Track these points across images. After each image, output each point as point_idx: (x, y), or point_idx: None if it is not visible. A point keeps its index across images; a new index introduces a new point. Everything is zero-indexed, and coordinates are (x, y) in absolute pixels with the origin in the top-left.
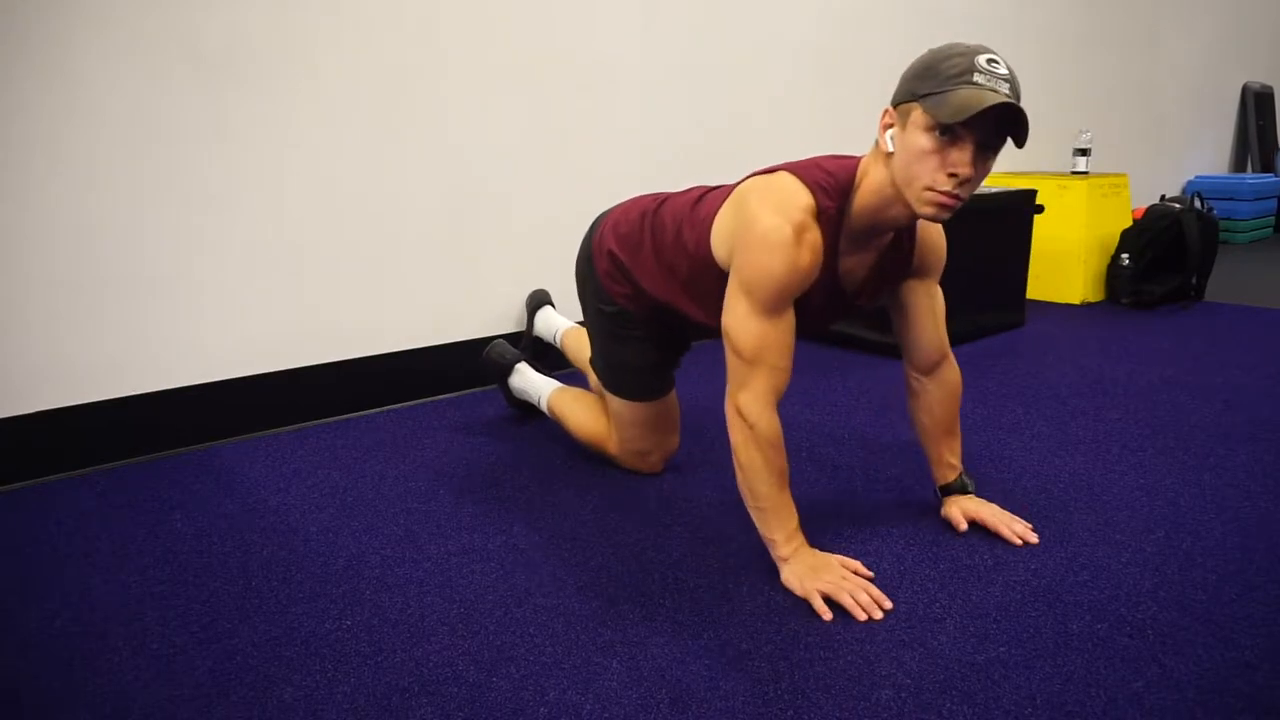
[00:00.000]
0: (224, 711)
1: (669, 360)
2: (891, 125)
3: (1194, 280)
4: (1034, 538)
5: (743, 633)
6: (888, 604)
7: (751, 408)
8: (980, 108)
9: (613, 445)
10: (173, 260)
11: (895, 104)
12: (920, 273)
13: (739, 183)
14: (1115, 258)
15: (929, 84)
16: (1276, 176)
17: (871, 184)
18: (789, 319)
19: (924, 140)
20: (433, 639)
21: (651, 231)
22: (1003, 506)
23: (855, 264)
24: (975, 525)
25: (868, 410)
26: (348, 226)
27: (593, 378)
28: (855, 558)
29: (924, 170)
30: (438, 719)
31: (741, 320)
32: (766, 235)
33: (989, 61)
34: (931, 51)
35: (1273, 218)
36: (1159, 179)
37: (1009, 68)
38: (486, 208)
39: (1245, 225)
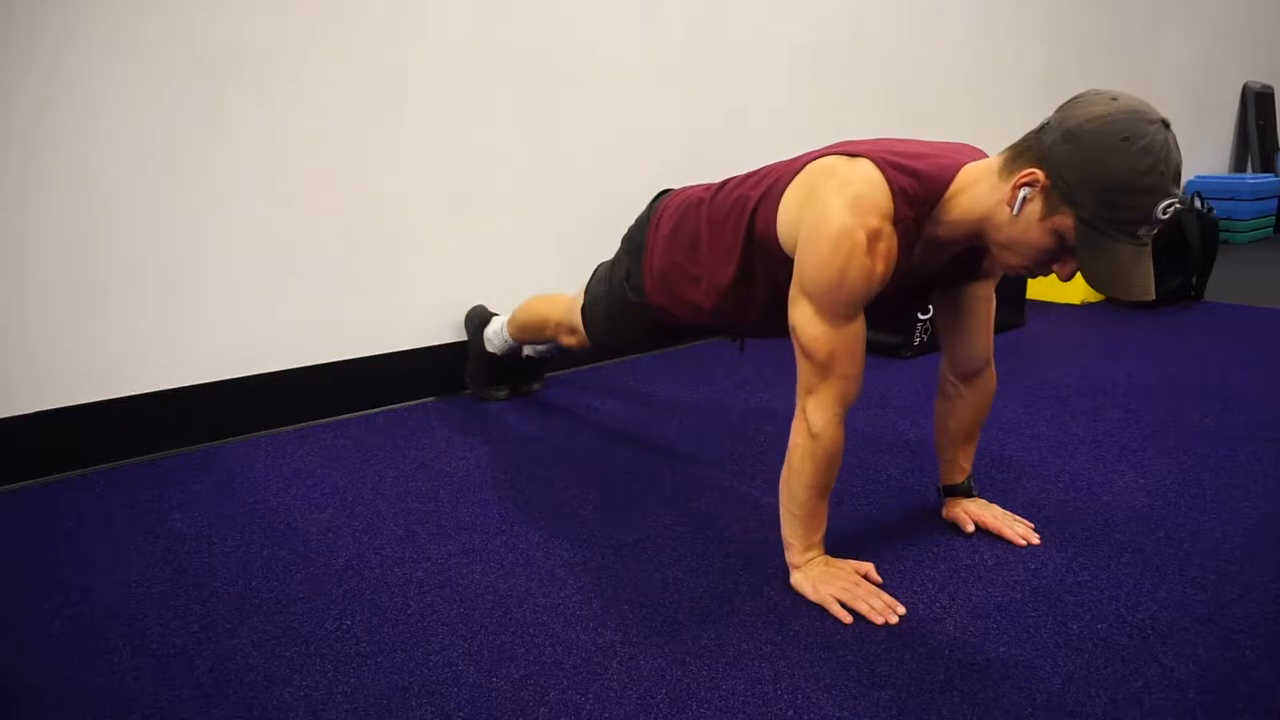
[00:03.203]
0: (224, 711)
1: (670, 341)
2: (1031, 188)
3: (1194, 280)
4: (1036, 538)
5: (743, 633)
6: (901, 609)
7: (817, 418)
8: (1126, 296)
9: (564, 328)
10: (173, 260)
11: (1050, 179)
12: (986, 273)
13: (810, 156)
14: None
15: (1098, 208)
16: (1276, 176)
17: (966, 211)
18: (858, 325)
19: (1050, 241)
20: (433, 639)
21: (708, 225)
22: (1003, 507)
23: (927, 265)
24: (976, 525)
25: (867, 410)
26: (348, 226)
27: (563, 336)
28: (854, 558)
29: (1030, 257)
30: (438, 719)
31: (807, 323)
32: (839, 239)
33: (1166, 209)
34: (1124, 153)
35: (1273, 218)
36: None
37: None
38: (487, 208)
39: (1245, 225)
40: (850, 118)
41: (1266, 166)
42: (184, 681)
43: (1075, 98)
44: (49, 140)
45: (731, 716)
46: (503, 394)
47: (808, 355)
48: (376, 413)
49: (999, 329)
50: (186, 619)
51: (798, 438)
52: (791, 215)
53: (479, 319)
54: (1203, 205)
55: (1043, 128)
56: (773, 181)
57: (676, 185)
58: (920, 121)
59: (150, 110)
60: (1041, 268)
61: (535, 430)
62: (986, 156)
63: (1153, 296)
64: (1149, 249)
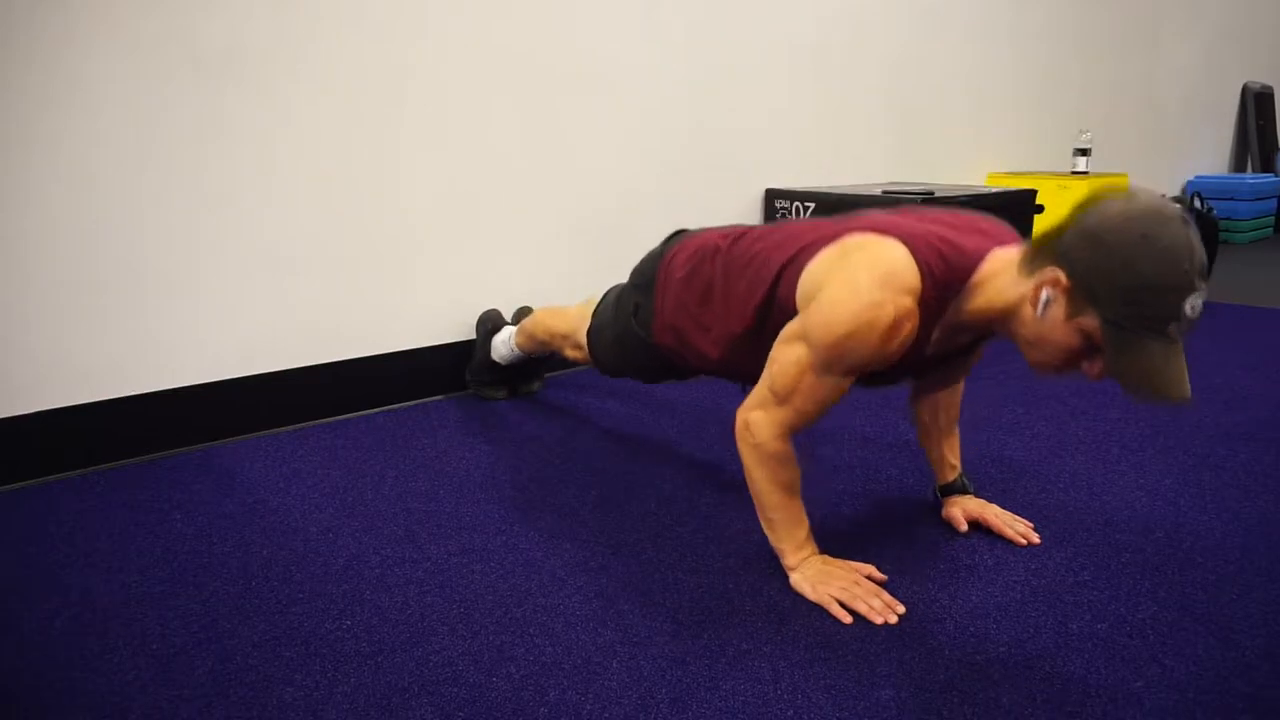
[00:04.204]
0: (224, 711)
1: (673, 378)
2: (1053, 289)
3: None
4: (1036, 538)
5: (743, 633)
6: (900, 609)
7: (761, 430)
8: (1159, 398)
9: (569, 342)
10: (173, 260)
11: (1072, 280)
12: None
13: (833, 229)
14: None
15: (1123, 308)
16: (1276, 176)
17: (988, 302)
18: (845, 384)
19: (1076, 341)
20: (433, 639)
21: (723, 276)
22: (1003, 506)
23: (942, 347)
24: (975, 525)
25: (867, 410)
26: (348, 226)
27: (567, 349)
28: (854, 558)
29: (1056, 357)
30: (437, 719)
31: (791, 363)
32: (863, 310)
33: (1195, 305)
34: (1146, 253)
35: (1273, 218)
36: (1159, 179)
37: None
38: (487, 208)
39: (1245, 225)
40: (850, 118)
41: (1266, 166)
42: (184, 681)
43: (1091, 199)
44: (49, 140)
45: (731, 716)
46: (503, 394)
47: (773, 386)
48: (376, 413)
49: None
50: (186, 619)
51: (742, 447)
52: (815, 284)
53: (490, 325)
54: (1203, 205)
55: (1061, 228)
56: (799, 249)
57: (677, 185)
58: (920, 121)
59: (150, 110)
60: (1069, 366)
61: (535, 430)
62: (1008, 234)
63: (1189, 398)
64: (1181, 346)
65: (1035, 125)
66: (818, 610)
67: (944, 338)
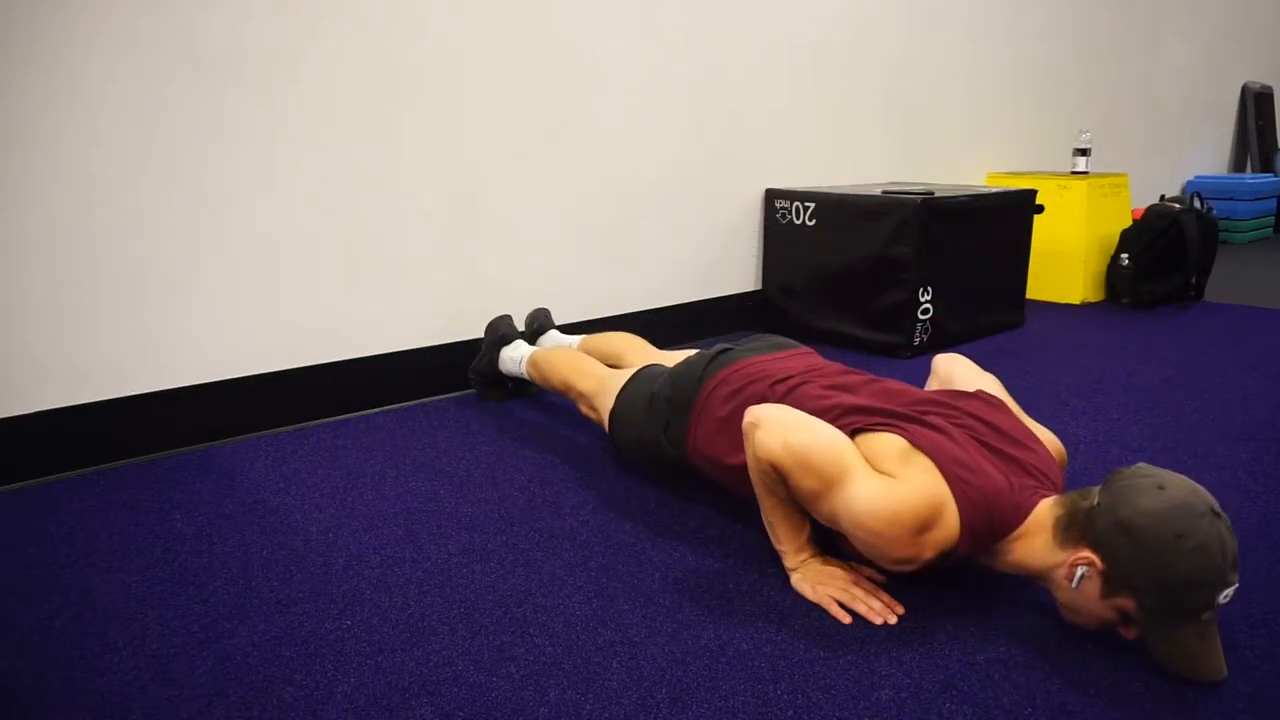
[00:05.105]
0: (224, 711)
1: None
2: (1088, 568)
3: (1193, 280)
4: None
5: (743, 633)
6: (900, 609)
7: (763, 445)
8: (1197, 678)
9: (585, 402)
10: (173, 260)
11: (1107, 566)
12: None
13: (887, 407)
14: (1115, 258)
15: (1159, 600)
16: (1276, 176)
17: (1022, 559)
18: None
19: (1112, 615)
20: (433, 639)
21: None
22: None
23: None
24: None
25: None
26: (347, 226)
27: (582, 406)
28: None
29: (1091, 623)
30: (437, 719)
31: (818, 462)
32: (888, 530)
33: (1225, 596)
34: (1180, 552)
35: (1272, 218)
36: (1159, 179)
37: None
38: (487, 208)
39: (1245, 225)
40: (850, 118)
41: (1266, 166)
42: (184, 681)
43: (1121, 478)
44: (49, 140)
45: (731, 716)
46: (503, 394)
47: (791, 445)
48: (376, 413)
49: (998, 329)
50: (186, 619)
51: (748, 445)
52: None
53: (500, 334)
54: (1203, 205)
55: (1093, 508)
56: (858, 421)
57: (677, 186)
58: (920, 121)
59: (150, 110)
60: (1103, 629)
61: (535, 430)
62: (1054, 471)
63: (1224, 676)
64: (1215, 625)
65: (1035, 125)
66: (818, 610)
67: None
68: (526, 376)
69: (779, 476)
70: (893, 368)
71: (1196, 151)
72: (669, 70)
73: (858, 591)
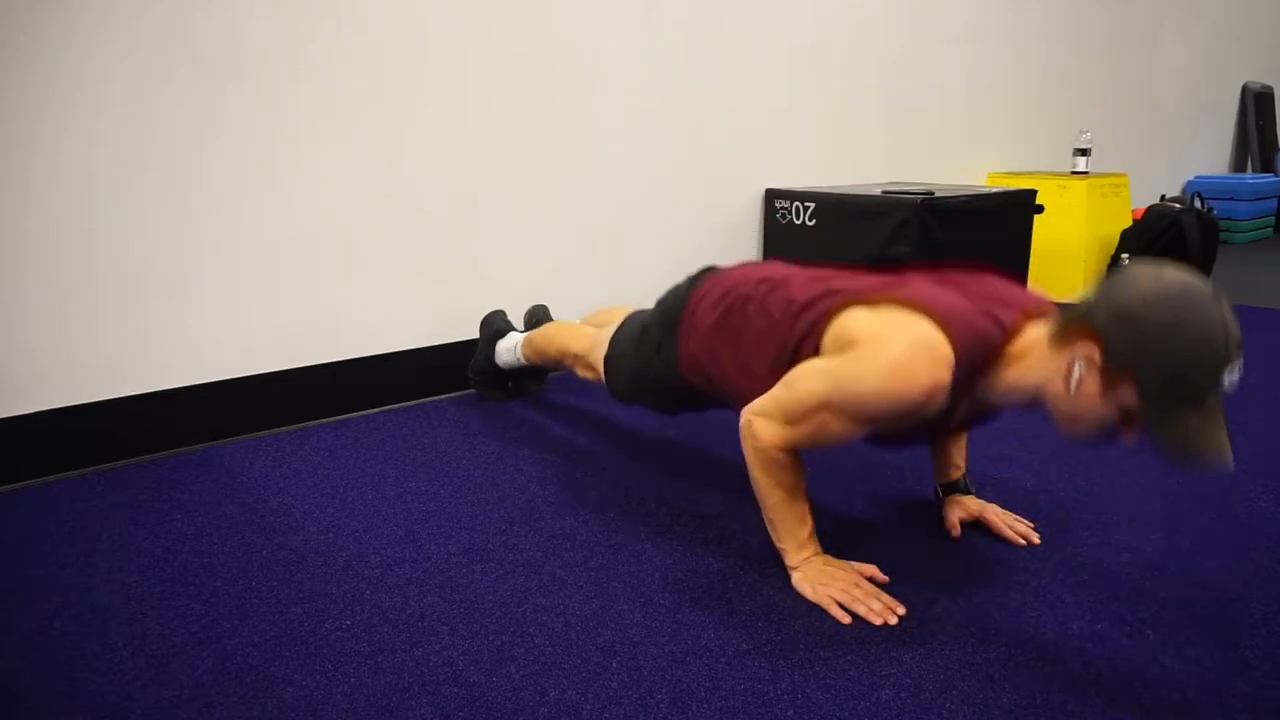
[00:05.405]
0: (224, 711)
1: (692, 409)
2: (1086, 364)
3: None
4: (1035, 538)
5: (743, 633)
6: (901, 609)
7: (764, 437)
8: (1203, 465)
9: (581, 363)
10: (173, 260)
11: (1106, 356)
12: None
13: (865, 284)
14: (1115, 258)
15: (1161, 387)
16: (1276, 176)
17: (1022, 378)
18: (857, 433)
19: (1113, 413)
20: (433, 639)
21: (753, 327)
22: (1003, 506)
23: (963, 413)
24: (976, 525)
25: None
26: (347, 226)
27: (579, 369)
28: (854, 558)
29: (1093, 428)
30: (438, 719)
31: (810, 395)
32: (895, 378)
33: (1230, 378)
34: (1181, 336)
35: (1272, 218)
36: (1159, 179)
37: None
38: (487, 208)
39: (1245, 225)
40: (850, 118)
41: (1266, 166)
42: (184, 681)
43: (1119, 274)
44: (49, 140)
45: (731, 716)
46: (503, 394)
47: (785, 408)
48: (376, 413)
49: None
50: (186, 619)
51: (746, 447)
52: (849, 335)
53: (495, 329)
54: (1203, 205)
55: (1090, 303)
56: (817, 316)
57: (677, 186)
58: (920, 121)
59: (150, 110)
60: (1106, 438)
61: (535, 430)
62: (1044, 305)
63: (1230, 463)
64: (1220, 411)
65: (1035, 125)
66: (818, 610)
67: (969, 408)
68: (523, 360)
69: (788, 462)
70: None
71: (1197, 151)
72: (669, 70)
73: (858, 593)
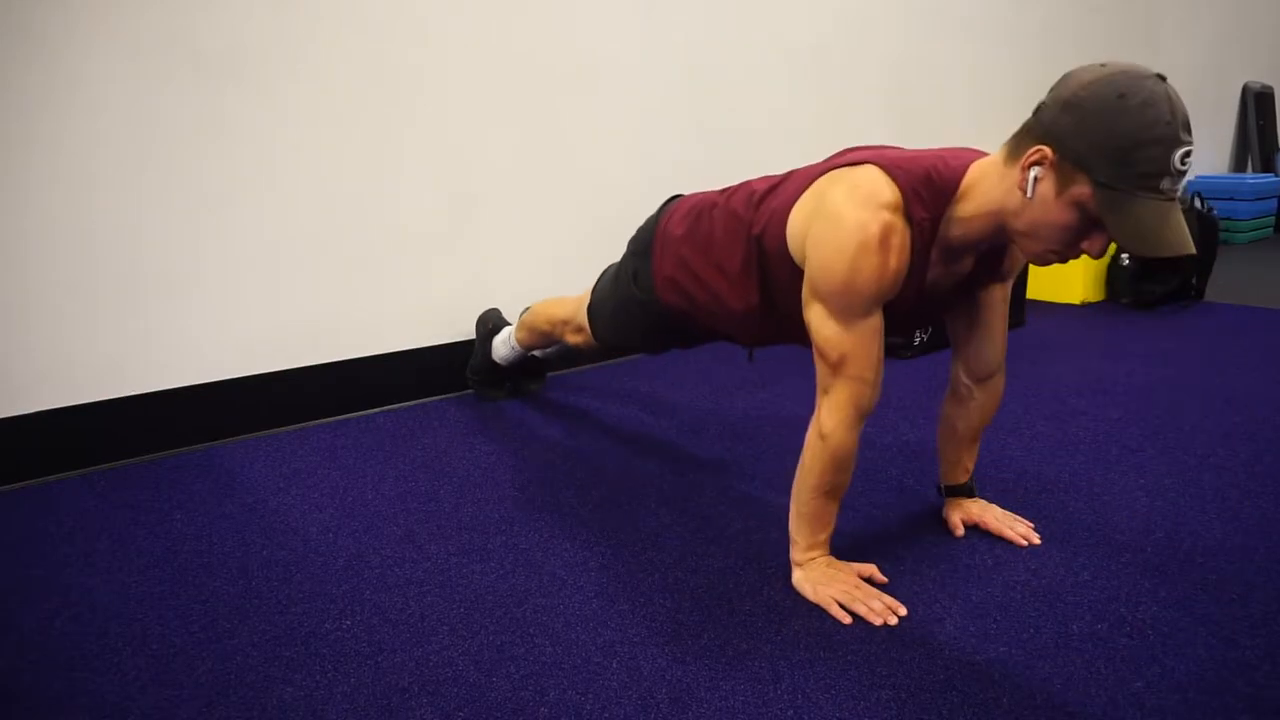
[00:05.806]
0: (224, 711)
1: (678, 344)
2: (1039, 166)
3: (1194, 280)
4: (1036, 538)
5: (743, 633)
6: (902, 610)
7: (828, 420)
8: (1162, 253)
9: (570, 326)
10: (173, 260)
11: (1057, 152)
12: (1003, 275)
13: (818, 168)
14: (1115, 258)
15: (1112, 169)
16: (1276, 176)
17: (979, 206)
18: (873, 324)
19: (1071, 216)
20: (433, 639)
21: (721, 227)
22: (1003, 506)
23: (950, 274)
24: (976, 526)
25: None
26: (347, 226)
27: (568, 334)
28: (856, 558)
29: (1054, 239)
30: (438, 719)
31: (820, 324)
32: (849, 236)
33: (1184, 157)
34: (1125, 109)
35: (1273, 218)
36: None
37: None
38: (486, 208)
39: (1245, 225)
40: (850, 118)
41: (1266, 166)
42: (184, 681)
43: (1065, 75)
44: (49, 140)
45: (731, 716)
46: (503, 394)
47: (821, 355)
48: (376, 413)
49: None
50: (186, 619)
51: (810, 436)
52: (800, 227)
53: (490, 325)
54: (1203, 205)
55: (1039, 108)
56: (779, 203)
57: (677, 186)
58: (920, 121)
59: (150, 110)
60: (1070, 249)
61: (535, 430)
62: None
63: (1192, 250)
64: (1177, 204)
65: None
66: (818, 610)
67: (945, 258)
68: (518, 347)
69: (851, 453)
70: (894, 367)
71: (1197, 151)
72: (669, 70)
73: (859, 593)
